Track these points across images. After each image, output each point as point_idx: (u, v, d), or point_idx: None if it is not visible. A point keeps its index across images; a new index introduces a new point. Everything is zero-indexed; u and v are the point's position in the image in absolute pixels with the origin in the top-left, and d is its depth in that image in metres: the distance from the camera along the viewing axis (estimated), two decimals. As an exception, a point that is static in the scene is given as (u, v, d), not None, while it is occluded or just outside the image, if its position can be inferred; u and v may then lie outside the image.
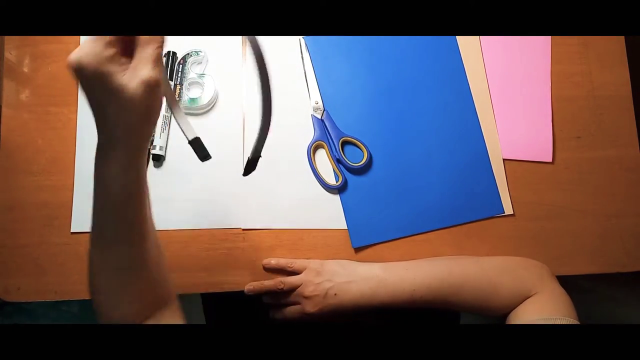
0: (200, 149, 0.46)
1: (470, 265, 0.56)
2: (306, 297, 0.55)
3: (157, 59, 0.35)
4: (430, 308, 0.55)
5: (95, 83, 0.33)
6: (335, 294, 0.54)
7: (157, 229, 0.59)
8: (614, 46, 0.66)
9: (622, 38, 0.66)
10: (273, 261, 0.58)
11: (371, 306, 0.55)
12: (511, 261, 0.57)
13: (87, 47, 0.33)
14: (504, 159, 0.62)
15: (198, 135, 0.46)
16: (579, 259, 0.61)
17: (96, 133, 0.37)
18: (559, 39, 0.65)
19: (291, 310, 0.57)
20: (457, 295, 0.54)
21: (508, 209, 0.61)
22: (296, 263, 0.58)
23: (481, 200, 0.61)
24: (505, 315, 0.55)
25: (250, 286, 0.57)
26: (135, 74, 0.34)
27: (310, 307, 0.55)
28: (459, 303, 0.54)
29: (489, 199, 0.61)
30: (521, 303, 0.53)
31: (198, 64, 0.63)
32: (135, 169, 0.38)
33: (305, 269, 0.57)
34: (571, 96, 0.65)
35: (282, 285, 0.56)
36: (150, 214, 0.43)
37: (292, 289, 0.56)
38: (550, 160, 0.63)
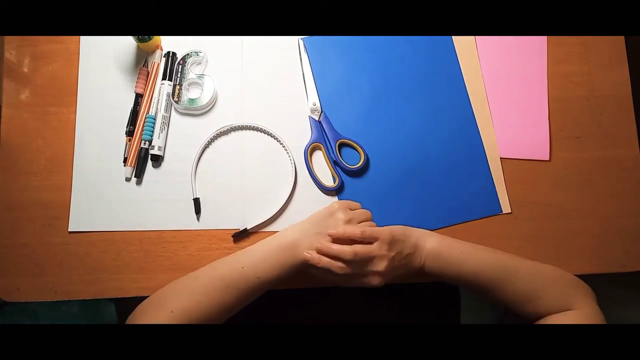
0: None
1: (525, 266, 0.56)
2: (377, 272, 0.52)
3: None
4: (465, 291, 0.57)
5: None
6: (403, 265, 0.54)
7: (156, 229, 0.59)
8: (614, 46, 0.66)
9: (622, 38, 0.66)
10: (341, 229, 0.54)
11: (421, 275, 0.55)
12: (563, 275, 0.57)
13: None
14: (501, 158, 0.62)
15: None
16: (579, 259, 0.61)
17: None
18: (559, 39, 0.65)
19: (358, 281, 0.54)
20: (501, 291, 0.54)
21: (506, 208, 0.61)
22: (367, 232, 0.54)
23: (479, 200, 0.61)
24: (536, 319, 0.55)
25: (315, 254, 0.53)
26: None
27: (377, 280, 0.53)
28: (499, 299, 0.55)
29: (486, 199, 0.61)
30: (557, 314, 0.54)
31: (198, 64, 0.63)
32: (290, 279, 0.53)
33: (377, 239, 0.53)
34: (571, 96, 0.64)
35: (353, 257, 0.52)
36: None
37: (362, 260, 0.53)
38: (547, 158, 0.63)
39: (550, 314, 0.54)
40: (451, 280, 0.55)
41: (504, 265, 0.55)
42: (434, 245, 0.55)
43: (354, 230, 0.54)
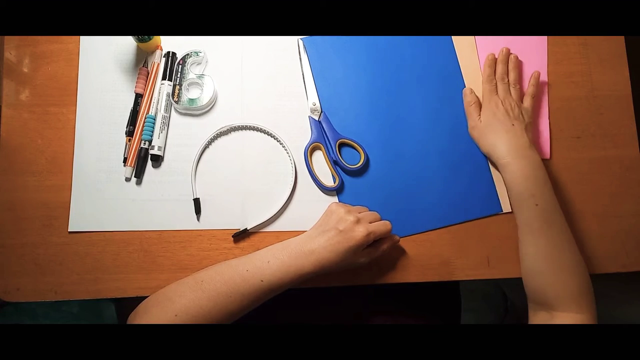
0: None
1: (575, 245, 0.55)
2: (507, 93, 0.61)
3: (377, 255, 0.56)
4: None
5: (363, 244, 0.53)
6: (513, 125, 0.59)
7: (156, 229, 0.59)
8: (614, 46, 0.66)
9: (622, 38, 0.66)
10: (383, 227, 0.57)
11: (500, 162, 0.57)
12: (591, 284, 0.55)
13: (379, 229, 0.55)
14: (502, 158, 0.62)
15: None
16: (579, 259, 0.61)
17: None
18: (559, 39, 0.65)
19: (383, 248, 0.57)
20: (547, 240, 0.54)
21: (506, 207, 0.61)
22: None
23: (479, 199, 0.61)
24: (537, 300, 0.55)
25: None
26: (369, 255, 0.55)
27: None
28: (537, 247, 0.54)
29: (487, 198, 0.61)
30: (559, 312, 0.53)
31: (197, 64, 0.63)
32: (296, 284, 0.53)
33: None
34: (571, 96, 0.65)
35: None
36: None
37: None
38: (547, 156, 0.63)
39: (555, 301, 0.53)
40: (517, 192, 0.55)
41: (567, 229, 0.55)
42: (538, 158, 0.56)
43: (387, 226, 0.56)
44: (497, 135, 0.58)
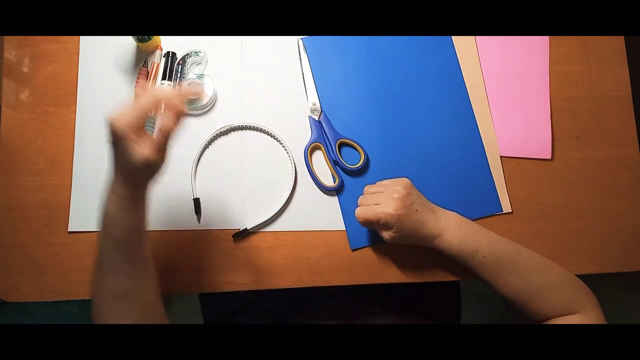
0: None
1: (538, 259, 0.56)
2: (392, 198, 0.53)
3: (160, 146, 0.44)
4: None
5: (117, 140, 0.43)
6: (416, 210, 0.54)
7: (157, 229, 0.59)
8: (614, 46, 0.66)
9: (622, 38, 0.66)
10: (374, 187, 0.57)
11: (433, 243, 0.55)
12: (572, 277, 0.56)
13: (126, 113, 0.42)
14: (501, 157, 0.62)
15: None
16: (579, 259, 0.61)
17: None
18: (559, 38, 0.65)
19: (373, 209, 0.54)
20: (514, 276, 0.54)
21: (506, 207, 0.61)
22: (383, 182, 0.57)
23: (479, 199, 0.61)
24: (540, 321, 0.55)
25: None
26: (142, 148, 0.43)
27: (392, 209, 0.52)
28: (509, 286, 0.54)
29: (487, 198, 0.61)
30: (561, 317, 0.53)
31: (197, 64, 0.63)
32: (130, 213, 0.46)
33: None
34: (571, 96, 0.65)
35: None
36: (148, 251, 0.49)
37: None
38: (549, 157, 0.63)
39: (554, 315, 0.54)
40: (464, 256, 0.54)
41: (519, 252, 0.55)
42: (457, 216, 0.56)
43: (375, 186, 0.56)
44: (416, 233, 0.54)
